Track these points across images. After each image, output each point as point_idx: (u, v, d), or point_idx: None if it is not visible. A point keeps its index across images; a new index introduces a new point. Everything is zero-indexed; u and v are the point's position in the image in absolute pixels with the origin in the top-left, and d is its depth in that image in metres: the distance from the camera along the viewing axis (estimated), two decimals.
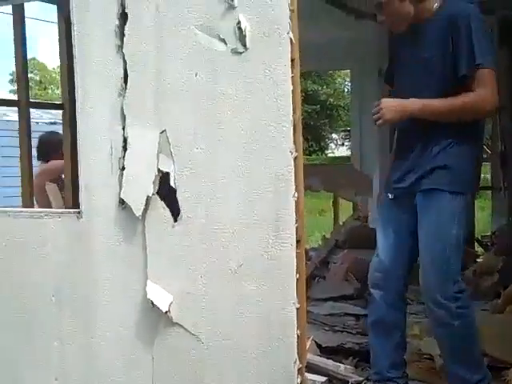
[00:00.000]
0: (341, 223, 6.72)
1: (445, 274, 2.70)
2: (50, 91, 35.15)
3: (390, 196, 2.96)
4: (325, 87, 24.08)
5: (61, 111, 3.89)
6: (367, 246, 5.31)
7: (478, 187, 2.96)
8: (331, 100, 24.40)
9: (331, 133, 27.36)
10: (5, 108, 11.11)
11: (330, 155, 26.91)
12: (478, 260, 5.36)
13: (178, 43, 2.68)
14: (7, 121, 11.13)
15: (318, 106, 24.17)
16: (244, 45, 2.58)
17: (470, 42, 2.66)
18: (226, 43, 2.61)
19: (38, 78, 35.49)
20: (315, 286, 4.57)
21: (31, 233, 3.00)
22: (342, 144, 27.94)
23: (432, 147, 2.77)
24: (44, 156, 5.15)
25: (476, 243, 6.22)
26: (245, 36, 2.56)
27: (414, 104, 2.77)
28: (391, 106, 2.81)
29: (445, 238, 2.71)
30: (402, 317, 2.97)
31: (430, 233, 2.75)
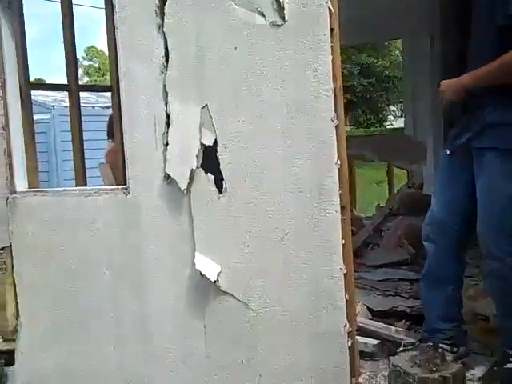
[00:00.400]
0: (396, 192, 6.69)
1: (500, 229, 2.71)
2: (108, 77, 35.80)
3: (448, 152, 2.95)
4: (380, 59, 23.71)
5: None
6: (420, 212, 5.28)
7: None
8: (387, 72, 24.00)
9: (389, 105, 26.95)
10: (64, 94, 11.43)
11: (388, 127, 26.55)
12: None
13: (216, 19, 2.73)
14: (65, 107, 11.47)
15: (374, 79, 23.83)
16: (282, 17, 2.61)
17: None
18: (264, 16, 2.64)
19: (96, 65, 36.18)
20: (369, 253, 4.57)
21: (82, 210, 3.11)
22: (401, 116, 27.48)
23: (484, 106, 2.74)
24: (113, 135, 5.28)
25: None
26: (283, 8, 2.59)
27: (464, 78, 2.81)
28: (449, 85, 2.88)
29: (500, 195, 2.71)
30: (454, 271, 2.98)
31: (484, 190, 2.75)
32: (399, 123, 24.40)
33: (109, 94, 4.41)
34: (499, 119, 2.71)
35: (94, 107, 11.45)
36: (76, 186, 3.62)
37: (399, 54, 22.25)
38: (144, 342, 3.02)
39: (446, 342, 2.86)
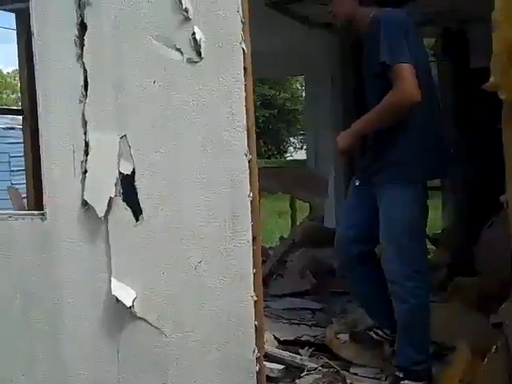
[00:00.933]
0: (298, 224, 6.92)
1: (401, 255, 2.94)
2: (4, 96, 34.66)
3: (357, 183, 3.19)
4: (282, 92, 24.37)
5: (18, 117, 3.96)
6: (322, 245, 5.52)
7: (430, 175, 3.14)
8: (288, 104, 24.70)
9: (289, 136, 27.65)
10: None
11: (288, 158, 27.17)
12: (429, 256, 5.59)
13: (136, 52, 2.83)
14: None
15: (276, 111, 24.44)
16: (199, 54, 2.74)
17: (379, 43, 2.89)
18: (181, 53, 2.76)
19: None
20: (273, 283, 4.74)
21: None
22: (301, 147, 28.21)
23: (380, 144, 3.00)
24: None
25: (427, 240, 6.48)
26: (199, 46, 2.73)
27: (356, 125, 3.06)
28: (341, 135, 3.12)
29: (397, 224, 2.96)
30: (371, 288, 3.22)
31: (384, 220, 3.00)
32: (299, 155, 25.06)
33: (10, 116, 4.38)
34: (396, 157, 2.97)
35: None
36: None
37: (300, 87, 22.98)
38: (56, 368, 3.02)
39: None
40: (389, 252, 2.99)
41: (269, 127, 24.56)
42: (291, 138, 28.04)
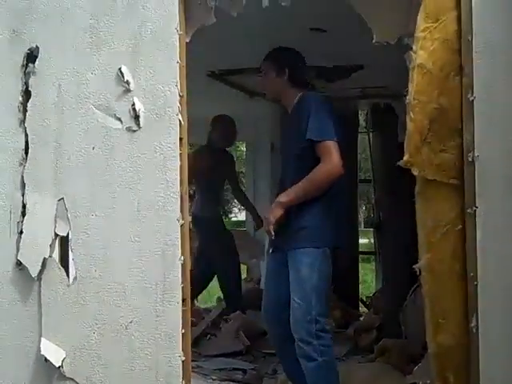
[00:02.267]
0: None
1: (307, 314, 3.12)
2: None
3: (270, 250, 3.36)
4: None
5: None
6: (257, 307, 5.64)
7: (335, 241, 3.33)
8: None
9: (234, 198, 27.88)
10: None
11: (233, 219, 27.31)
12: (360, 319, 5.77)
13: (77, 120, 2.96)
14: None
15: None
16: (138, 124, 2.89)
17: (304, 121, 3.17)
18: (121, 121, 2.92)
19: None
20: (207, 343, 4.80)
21: None
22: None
23: (292, 212, 3.20)
24: None
25: (360, 303, 6.67)
26: (138, 116, 2.89)
27: (281, 197, 3.26)
28: (270, 209, 3.29)
29: (306, 284, 3.16)
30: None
31: (294, 281, 3.20)
32: (243, 216, 25.22)
33: None
34: (306, 223, 3.19)
35: None
36: None
37: (244, 151, 23.34)
38: None
39: None
40: (297, 312, 3.16)
41: None
42: (235, 200, 28.25)
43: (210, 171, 5.44)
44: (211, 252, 5.60)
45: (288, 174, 3.35)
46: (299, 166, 3.24)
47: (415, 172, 2.64)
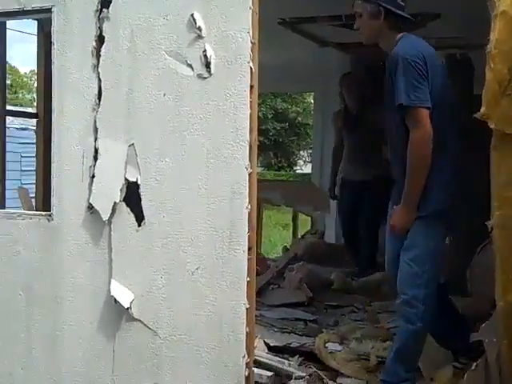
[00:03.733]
0: (299, 237, 7.05)
1: (418, 278, 2.98)
2: (20, 95, 34.99)
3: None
4: (294, 106, 24.51)
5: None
6: (321, 261, 5.65)
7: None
8: (300, 119, 24.81)
9: (299, 150, 27.75)
10: None
11: (298, 171, 27.28)
12: None
13: (149, 66, 2.98)
14: None
15: (287, 124, 24.56)
16: (209, 71, 2.88)
17: (394, 84, 2.92)
18: (192, 68, 2.91)
19: (8, 82, 35.26)
20: (270, 293, 4.84)
21: (4, 232, 3.26)
22: (310, 161, 28.26)
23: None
24: None
25: None
26: (210, 63, 2.87)
27: (404, 201, 3.00)
28: (396, 216, 3.07)
29: (421, 250, 3.01)
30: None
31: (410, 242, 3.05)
32: (308, 168, 25.16)
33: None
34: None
35: (8, 128, 11.33)
36: None
37: (312, 102, 23.15)
38: (53, 365, 3.17)
39: None
40: (406, 273, 3.04)
41: (279, 140, 24.66)
42: (301, 152, 28.12)
43: None
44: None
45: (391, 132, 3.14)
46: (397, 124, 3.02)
47: (492, 125, 2.53)
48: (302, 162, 28.82)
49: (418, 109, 2.90)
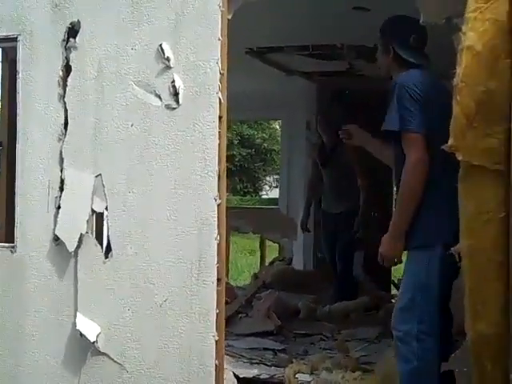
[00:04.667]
0: (267, 264, 7.04)
1: (410, 312, 2.85)
2: None
3: None
4: (260, 132, 24.65)
5: None
6: (290, 288, 5.63)
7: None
8: (266, 145, 24.96)
9: (265, 175, 27.86)
10: None
11: (264, 197, 27.36)
12: (392, 301, 5.72)
13: (116, 96, 2.95)
14: None
15: (253, 150, 24.70)
16: (177, 101, 2.87)
17: (388, 108, 2.87)
18: (160, 99, 2.90)
19: None
20: (238, 323, 4.80)
21: None
22: (276, 186, 28.41)
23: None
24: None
25: (392, 286, 6.62)
26: (178, 93, 2.86)
27: (391, 229, 2.92)
28: (384, 245, 2.92)
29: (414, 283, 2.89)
30: None
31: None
32: (274, 193, 25.25)
33: None
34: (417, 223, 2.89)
35: None
36: None
37: (278, 128, 23.29)
38: None
39: None
40: (399, 312, 2.94)
41: (245, 166, 24.76)
42: (267, 177, 28.25)
43: None
44: None
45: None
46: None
47: (460, 157, 2.56)
48: (267, 187, 28.93)
49: (410, 133, 2.82)
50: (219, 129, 2.85)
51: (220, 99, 2.84)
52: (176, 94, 2.86)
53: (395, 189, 3.20)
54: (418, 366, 2.84)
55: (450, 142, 2.57)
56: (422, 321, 2.87)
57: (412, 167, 2.81)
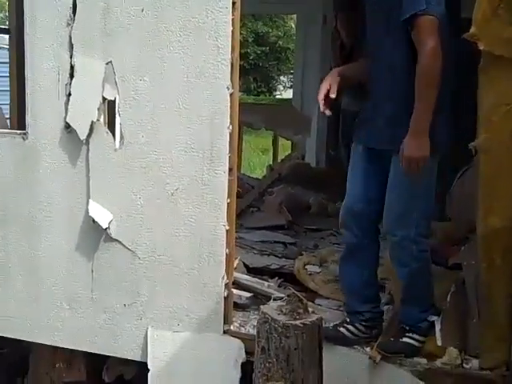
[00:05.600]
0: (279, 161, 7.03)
1: (408, 217, 2.78)
2: (2, 15, 33.88)
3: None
4: (275, 30, 24.04)
5: (4, 36, 3.97)
6: (303, 183, 5.62)
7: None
8: (281, 43, 24.39)
9: (279, 75, 27.42)
10: None
11: (277, 97, 27.06)
12: None
13: None
14: None
15: (268, 48, 24.15)
16: None
17: None
18: None
19: None
20: (250, 216, 4.85)
21: None
22: (290, 86, 28.03)
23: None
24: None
25: None
26: None
27: (415, 126, 2.63)
28: (411, 149, 2.64)
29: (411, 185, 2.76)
30: (370, 255, 3.00)
31: (397, 180, 2.79)
32: (288, 94, 24.95)
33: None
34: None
35: None
36: None
37: (293, 26, 22.69)
38: (32, 284, 3.15)
39: (363, 323, 2.95)
40: (394, 213, 2.83)
41: (259, 64, 24.31)
42: (281, 77, 27.83)
43: None
44: None
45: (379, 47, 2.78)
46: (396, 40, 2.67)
47: (481, 46, 2.47)
48: (281, 88, 28.56)
49: (432, 17, 2.57)
50: (232, 15, 2.75)
51: None
52: None
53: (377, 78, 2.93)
54: (416, 267, 2.83)
55: (472, 30, 2.47)
56: (419, 225, 2.81)
57: (433, 53, 2.57)
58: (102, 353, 3.14)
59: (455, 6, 4.25)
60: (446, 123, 2.73)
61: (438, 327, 2.87)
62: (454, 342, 2.78)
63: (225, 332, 2.93)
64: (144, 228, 2.93)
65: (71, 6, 2.91)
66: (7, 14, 4.29)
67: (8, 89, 4.11)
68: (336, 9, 5.94)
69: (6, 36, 4.31)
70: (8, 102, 4.15)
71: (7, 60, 4.19)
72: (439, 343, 2.81)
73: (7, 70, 4.12)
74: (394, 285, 3.25)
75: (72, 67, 2.93)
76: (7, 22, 4.29)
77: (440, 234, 4.10)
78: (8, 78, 4.07)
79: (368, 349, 2.87)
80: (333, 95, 2.83)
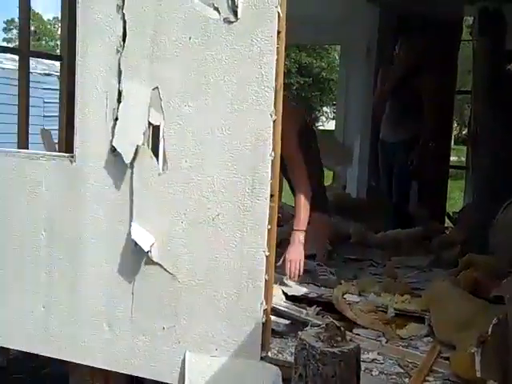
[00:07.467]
0: None
1: None
2: (43, 42, 34.92)
3: None
4: (318, 61, 24.22)
5: (55, 63, 4.11)
6: (345, 214, 5.62)
7: None
8: (324, 74, 24.56)
9: (322, 106, 27.55)
10: (1, 56, 11.28)
11: (320, 127, 27.15)
12: (445, 233, 5.68)
13: (175, 8, 2.92)
14: (3, 69, 11.32)
15: (311, 79, 24.35)
16: (235, 14, 2.81)
17: None
18: (219, 12, 2.85)
19: (32, 29, 35.23)
20: None
21: (27, 172, 3.27)
22: (333, 118, 28.09)
23: None
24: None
25: (447, 218, 6.55)
26: (237, 6, 2.80)
27: None
28: None
29: None
30: None
31: None
32: (331, 125, 24.99)
33: (48, 61, 4.48)
34: None
35: (32, 73, 11.35)
36: (18, 148, 3.73)
37: (337, 57, 22.81)
38: (73, 304, 3.20)
39: None
40: None
41: (302, 95, 24.48)
42: (324, 108, 27.93)
43: None
44: None
45: None
46: None
47: None
48: (324, 119, 28.63)
49: None
50: (277, 44, 2.79)
51: (279, 13, 2.77)
52: (235, 7, 2.81)
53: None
54: None
55: None
56: None
57: None
58: (139, 375, 3.16)
59: (500, 39, 4.28)
60: None
61: (477, 358, 2.82)
62: (494, 376, 2.73)
63: (262, 358, 2.92)
64: (185, 252, 2.96)
65: (121, 34, 3.00)
66: (58, 42, 4.43)
67: (55, 114, 4.24)
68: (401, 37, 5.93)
69: (56, 63, 4.45)
70: (57, 128, 4.28)
71: (54, 86, 4.34)
72: (479, 375, 2.75)
73: (54, 96, 4.27)
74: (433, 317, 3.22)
75: (120, 92, 3.01)
76: (58, 51, 4.43)
77: (483, 267, 4.05)
78: (55, 104, 4.21)
79: (407, 380, 2.83)
80: None
